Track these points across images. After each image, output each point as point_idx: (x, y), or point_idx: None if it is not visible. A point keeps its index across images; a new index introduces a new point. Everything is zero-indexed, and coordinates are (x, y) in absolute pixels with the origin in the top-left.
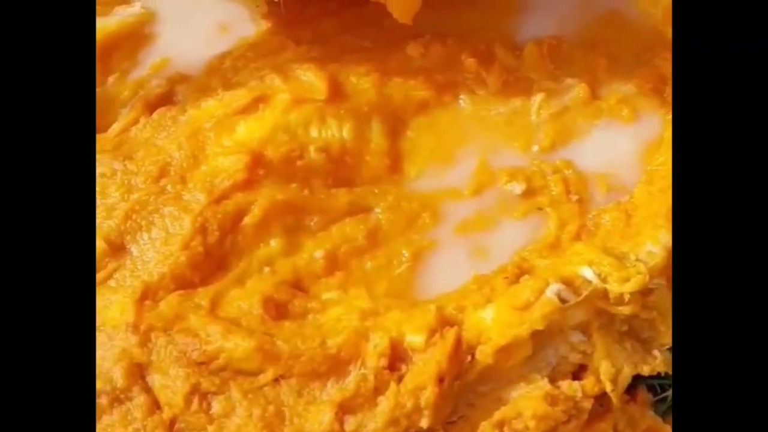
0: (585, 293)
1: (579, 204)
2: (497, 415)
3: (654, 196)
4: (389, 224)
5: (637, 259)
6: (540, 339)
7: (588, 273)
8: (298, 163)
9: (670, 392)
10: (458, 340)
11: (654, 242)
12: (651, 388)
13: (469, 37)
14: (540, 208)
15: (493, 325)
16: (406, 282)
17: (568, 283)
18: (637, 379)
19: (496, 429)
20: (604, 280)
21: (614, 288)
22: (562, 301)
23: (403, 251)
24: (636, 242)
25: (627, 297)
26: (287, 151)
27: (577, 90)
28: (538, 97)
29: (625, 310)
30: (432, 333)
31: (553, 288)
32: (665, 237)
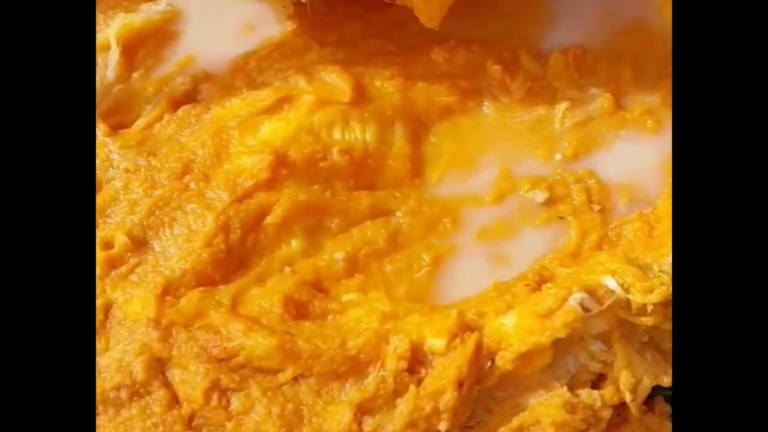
0: (608, 303)
1: (601, 214)
2: (515, 421)
3: None
4: (410, 228)
5: (661, 271)
6: (560, 347)
7: (611, 283)
8: (321, 164)
9: None
10: (479, 346)
11: None
12: (669, 400)
13: (494, 43)
14: (562, 217)
15: (514, 331)
16: (425, 286)
17: (590, 292)
18: (656, 390)
19: None
20: (627, 291)
21: (637, 298)
22: (585, 310)
23: (423, 256)
24: (659, 254)
25: (650, 308)
26: (310, 152)
27: (602, 100)
28: (562, 106)
29: (648, 320)
30: (453, 337)
31: (577, 297)
32: None
